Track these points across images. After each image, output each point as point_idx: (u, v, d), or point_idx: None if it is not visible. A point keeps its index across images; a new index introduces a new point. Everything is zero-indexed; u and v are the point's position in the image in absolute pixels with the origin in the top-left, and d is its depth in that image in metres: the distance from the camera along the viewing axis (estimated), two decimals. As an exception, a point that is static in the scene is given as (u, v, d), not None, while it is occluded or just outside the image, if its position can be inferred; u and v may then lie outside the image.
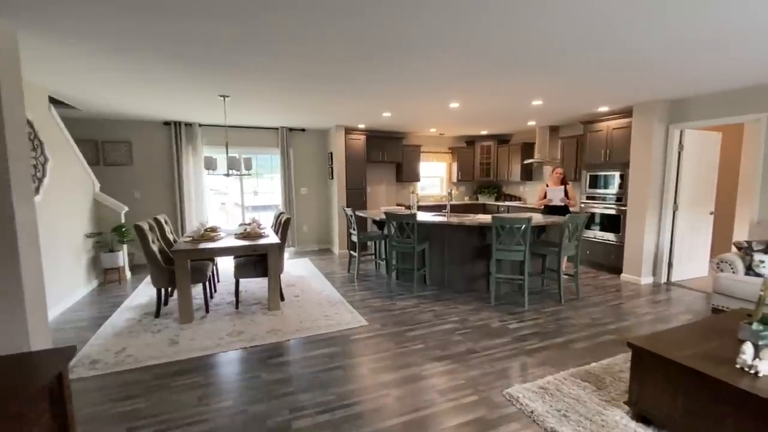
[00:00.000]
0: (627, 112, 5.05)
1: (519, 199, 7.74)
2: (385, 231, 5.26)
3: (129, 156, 5.92)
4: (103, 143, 5.76)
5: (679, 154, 4.73)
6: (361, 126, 6.66)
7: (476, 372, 2.63)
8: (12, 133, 2.28)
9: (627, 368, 2.59)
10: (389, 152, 7.22)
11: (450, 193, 5.23)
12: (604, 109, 5.15)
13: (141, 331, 3.35)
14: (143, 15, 2.22)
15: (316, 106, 4.91)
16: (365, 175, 6.97)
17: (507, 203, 7.40)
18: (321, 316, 3.72)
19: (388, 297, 4.31)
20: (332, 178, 6.94)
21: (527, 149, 7.19)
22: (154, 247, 3.67)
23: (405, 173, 7.47)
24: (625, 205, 5.08)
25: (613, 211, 5.30)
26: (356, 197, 6.90)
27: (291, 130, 6.88)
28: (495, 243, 3.93)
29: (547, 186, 5.30)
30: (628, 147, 4.99)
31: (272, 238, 3.98)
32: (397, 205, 7.73)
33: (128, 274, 5.25)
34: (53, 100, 4.28)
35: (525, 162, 7.06)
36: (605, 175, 5.39)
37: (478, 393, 2.38)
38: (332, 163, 6.85)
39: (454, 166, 8.11)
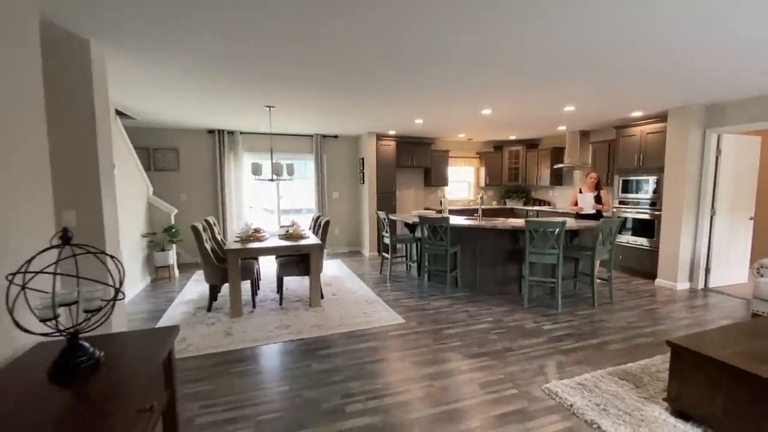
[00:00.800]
0: (662, 117, 5.04)
1: (548, 203, 7.74)
2: (417, 234, 5.43)
3: (176, 162, 6.35)
4: (154, 150, 6.21)
5: (717, 158, 4.68)
6: (392, 132, 6.87)
7: (514, 368, 2.76)
8: (102, 143, 2.60)
9: (665, 368, 2.65)
10: (418, 157, 7.40)
11: (481, 198, 5.34)
12: (637, 114, 5.16)
13: (196, 323, 3.65)
14: (216, 38, 2.50)
15: (353, 114, 5.16)
16: (395, 180, 7.17)
17: (536, 207, 7.42)
18: (359, 313, 3.92)
19: (421, 297, 4.47)
20: (363, 182, 7.18)
21: (557, 154, 7.21)
22: (207, 246, 3.98)
23: (433, 178, 7.62)
24: (660, 210, 5.05)
25: (646, 216, 5.28)
26: (386, 201, 7.11)
27: (324, 136, 7.18)
28: (528, 246, 4.03)
29: (580, 191, 5.35)
30: (663, 151, 4.97)
31: (313, 239, 4.23)
32: (425, 209, 7.88)
33: (176, 272, 5.63)
34: (117, 111, 4.70)
35: (555, 166, 7.08)
36: (638, 180, 5.37)
37: (517, 387, 2.50)
38: (363, 168, 7.09)
39: (482, 170, 8.20)
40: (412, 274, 5.62)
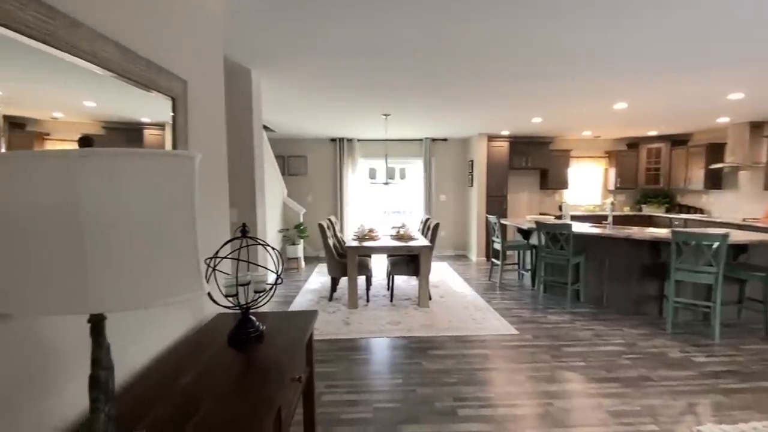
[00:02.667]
0: None
1: (701, 211, 6.43)
2: (532, 240, 5.10)
3: (305, 167, 7.20)
4: (287, 157, 7.16)
5: None
6: (505, 132, 6.59)
7: (654, 401, 2.39)
8: (258, 153, 3.13)
9: None
10: (534, 158, 6.93)
11: (612, 203, 4.74)
12: None
13: (320, 311, 4.09)
14: (349, 55, 2.78)
15: (466, 115, 5.12)
16: (506, 183, 6.85)
17: (684, 216, 6.24)
18: (468, 318, 3.87)
19: (536, 309, 4.18)
20: (471, 185, 7.05)
21: (714, 151, 5.94)
22: (330, 243, 4.42)
23: (551, 180, 7.04)
24: None
25: None
26: (496, 205, 6.84)
27: (434, 140, 7.27)
28: (674, 261, 3.43)
29: None
30: None
31: (423, 241, 4.34)
32: (541, 214, 7.32)
33: (303, 264, 6.38)
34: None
35: (711, 167, 5.85)
36: None
37: (658, 423, 2.17)
38: (472, 171, 6.96)
39: (612, 172, 7.24)
40: (525, 283, 5.30)
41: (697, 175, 6.16)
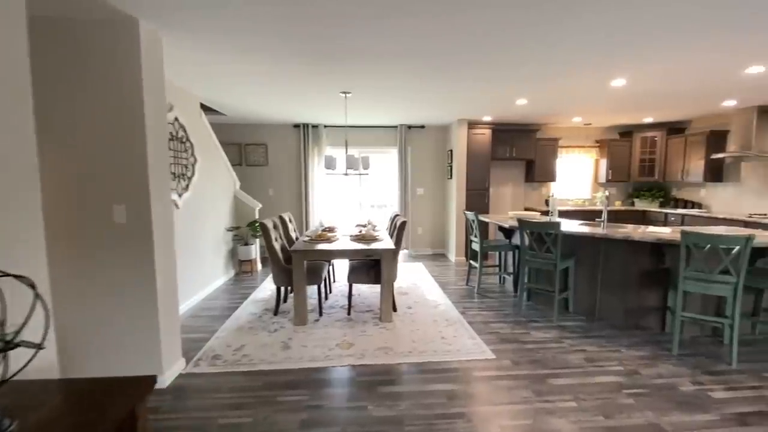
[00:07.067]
0: None
1: (699, 205, 5.88)
2: (514, 240, 4.46)
3: (265, 157, 6.42)
4: (245, 146, 6.36)
5: None
6: (487, 119, 5.91)
7: (671, 469, 1.76)
8: (155, 136, 2.37)
9: None
10: (518, 147, 6.28)
11: (607, 197, 4.12)
12: None
13: (260, 328, 3.38)
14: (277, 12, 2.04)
15: (441, 96, 4.41)
16: (488, 175, 6.19)
17: (680, 211, 5.68)
18: (437, 336, 3.21)
19: (518, 323, 3.55)
20: (450, 177, 6.38)
21: (716, 140, 5.37)
22: (277, 245, 3.70)
23: (537, 172, 6.40)
24: None
25: None
26: (477, 199, 6.19)
27: (410, 127, 6.55)
28: (683, 269, 2.81)
29: None
30: None
31: (386, 243, 3.65)
32: (526, 209, 6.71)
33: (259, 266, 5.64)
34: (205, 108, 4.79)
35: (712, 156, 5.29)
36: None
37: None
38: (451, 162, 6.28)
39: (603, 163, 6.64)
40: (507, 288, 4.67)
41: (696, 166, 5.59)
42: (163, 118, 2.50)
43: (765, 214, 4.72)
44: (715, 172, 5.47)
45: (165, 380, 2.49)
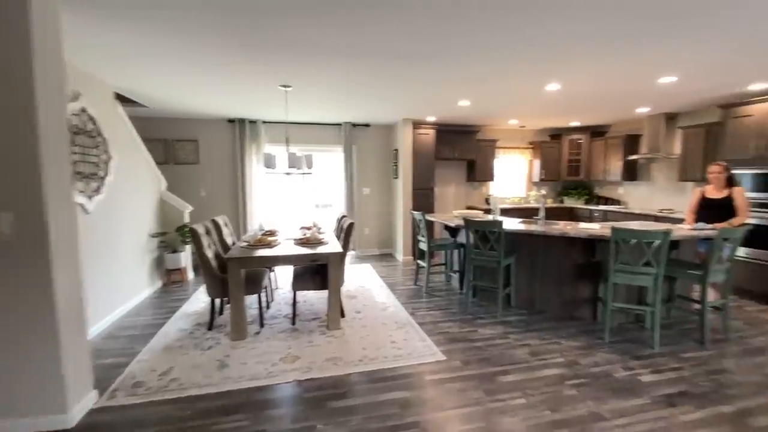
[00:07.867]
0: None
1: (618, 202, 6.49)
2: (459, 239, 4.53)
3: (196, 154, 5.87)
4: (172, 141, 5.76)
5: None
6: (431, 119, 5.98)
7: (614, 457, 1.83)
8: (49, 131, 1.96)
9: None
10: (461, 148, 6.44)
11: (544, 196, 4.33)
12: (757, 87, 3.90)
13: (191, 347, 3.02)
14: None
15: (384, 94, 4.33)
16: (434, 175, 6.27)
17: (602, 207, 6.22)
18: (387, 342, 3.12)
19: (465, 321, 3.58)
20: (397, 177, 6.35)
21: (631, 143, 5.97)
22: (210, 253, 3.35)
23: (478, 172, 6.62)
24: (791, 215, 3.78)
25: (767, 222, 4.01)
26: (423, 199, 6.23)
27: (354, 126, 6.41)
28: (613, 262, 3.02)
29: (704, 198, 3.70)
30: (798, 136, 3.70)
31: (333, 246, 3.48)
32: (468, 207, 6.91)
33: (191, 275, 5.13)
34: (122, 99, 4.21)
35: (628, 158, 5.87)
36: (757, 174, 4.10)
37: (627, 500, 1.59)
38: (397, 161, 6.25)
39: (536, 163, 7.07)
40: (453, 285, 4.73)
41: (615, 166, 6.16)
42: (61, 106, 2.09)
43: (672, 210, 5.32)
44: (631, 172, 6.07)
45: (72, 418, 2.09)
